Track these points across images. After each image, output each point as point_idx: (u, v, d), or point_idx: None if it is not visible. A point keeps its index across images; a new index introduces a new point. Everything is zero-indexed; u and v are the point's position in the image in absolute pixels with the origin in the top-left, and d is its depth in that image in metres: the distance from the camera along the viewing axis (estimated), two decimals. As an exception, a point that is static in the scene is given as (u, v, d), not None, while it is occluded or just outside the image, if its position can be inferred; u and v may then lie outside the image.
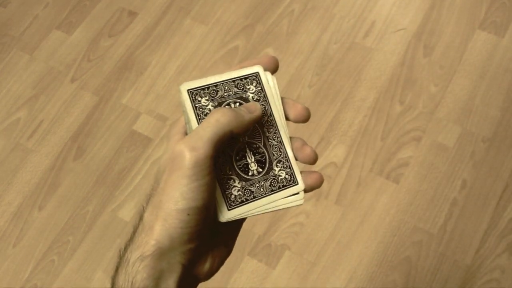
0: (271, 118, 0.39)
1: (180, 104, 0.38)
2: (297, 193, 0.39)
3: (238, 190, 0.38)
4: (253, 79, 0.40)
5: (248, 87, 0.39)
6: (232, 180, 0.38)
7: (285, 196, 0.39)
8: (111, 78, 1.35)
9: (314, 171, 0.40)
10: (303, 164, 0.40)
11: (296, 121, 0.40)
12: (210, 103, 0.38)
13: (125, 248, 0.35)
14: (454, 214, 1.10)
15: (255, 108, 0.37)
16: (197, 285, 0.38)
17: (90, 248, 1.16)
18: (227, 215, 0.37)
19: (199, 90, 0.38)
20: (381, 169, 1.16)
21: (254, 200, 0.38)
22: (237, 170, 0.38)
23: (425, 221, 1.10)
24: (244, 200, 0.38)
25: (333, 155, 1.18)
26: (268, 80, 0.40)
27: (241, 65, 0.40)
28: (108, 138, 1.27)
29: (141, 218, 0.36)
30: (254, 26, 1.37)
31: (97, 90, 1.34)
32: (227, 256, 0.39)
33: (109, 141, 1.27)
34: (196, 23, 1.40)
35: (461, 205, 1.11)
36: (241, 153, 0.38)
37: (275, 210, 0.39)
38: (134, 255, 0.34)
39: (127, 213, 1.18)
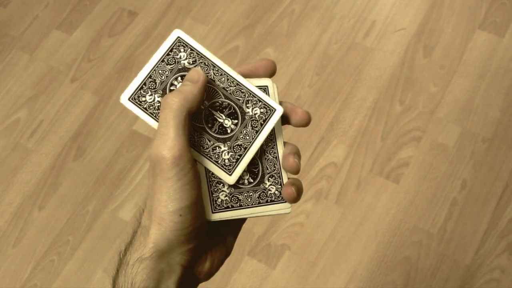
0: (216, 69, 0.38)
1: None
2: (285, 202, 0.39)
3: (228, 152, 0.37)
4: (179, 45, 0.38)
5: (178, 56, 0.38)
6: (217, 147, 0.37)
7: (274, 209, 0.38)
8: (111, 78, 1.35)
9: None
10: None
11: (297, 126, 0.39)
12: (155, 95, 0.36)
13: (125, 250, 0.35)
14: (454, 214, 1.10)
15: (198, 75, 0.36)
16: (197, 285, 0.38)
17: (90, 248, 1.15)
18: (211, 217, 0.37)
19: (138, 91, 0.36)
20: (381, 169, 1.16)
21: (241, 208, 0.38)
22: (216, 135, 0.37)
23: (425, 221, 1.10)
24: (238, 157, 0.37)
25: (333, 155, 1.18)
26: (205, 52, 0.38)
27: (239, 69, 0.39)
28: (108, 138, 1.27)
29: (139, 221, 0.36)
30: (254, 26, 1.37)
31: (97, 90, 1.34)
32: (226, 256, 0.39)
33: (109, 141, 1.27)
34: (196, 23, 1.40)
35: (461, 205, 1.11)
36: (209, 118, 0.37)
37: (261, 216, 0.39)
38: (133, 257, 0.34)
39: (127, 213, 1.18)
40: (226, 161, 0.37)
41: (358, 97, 1.24)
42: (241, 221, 0.41)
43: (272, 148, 0.38)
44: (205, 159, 0.36)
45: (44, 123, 1.31)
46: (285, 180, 0.39)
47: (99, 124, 1.29)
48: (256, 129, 0.38)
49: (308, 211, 1.13)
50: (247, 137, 0.37)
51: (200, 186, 0.35)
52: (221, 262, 0.38)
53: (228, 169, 0.37)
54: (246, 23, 1.38)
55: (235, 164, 0.37)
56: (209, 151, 0.37)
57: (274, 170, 0.38)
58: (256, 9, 1.39)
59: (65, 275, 1.13)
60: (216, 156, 0.37)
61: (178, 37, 0.38)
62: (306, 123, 0.39)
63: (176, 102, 0.34)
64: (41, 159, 1.27)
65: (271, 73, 0.40)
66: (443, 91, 1.23)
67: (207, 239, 0.37)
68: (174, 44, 0.38)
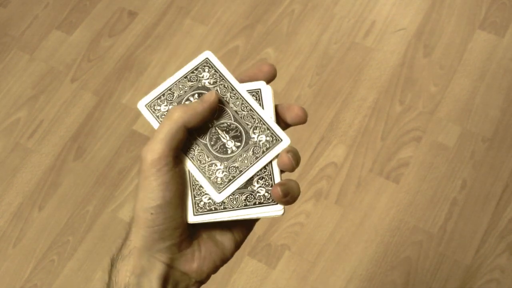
0: (234, 92, 0.39)
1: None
2: (277, 203, 0.38)
3: (223, 172, 0.38)
4: (205, 66, 0.39)
5: (201, 75, 0.39)
6: (213, 165, 0.38)
7: (262, 211, 0.38)
8: (111, 78, 1.35)
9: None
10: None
11: (294, 123, 0.39)
12: (170, 107, 0.38)
13: (116, 254, 0.37)
14: (454, 214, 1.10)
15: (209, 96, 0.37)
16: (192, 283, 0.38)
17: (90, 248, 1.16)
18: (192, 219, 0.37)
19: (156, 100, 0.39)
20: (381, 169, 1.16)
21: (225, 211, 0.37)
22: (215, 153, 0.38)
23: (425, 221, 1.10)
24: (231, 178, 0.38)
25: (333, 155, 1.18)
26: (218, 66, 0.39)
27: (239, 77, 0.39)
28: (108, 138, 1.27)
29: (129, 223, 0.38)
30: (254, 26, 1.37)
31: (97, 90, 1.34)
32: (223, 260, 0.39)
33: (109, 141, 1.27)
34: (196, 23, 1.40)
35: (461, 205, 1.11)
36: (214, 137, 0.38)
37: (249, 219, 0.38)
38: (117, 257, 0.36)
39: (127, 213, 1.18)
40: (219, 179, 0.38)
41: (358, 97, 1.24)
42: (243, 227, 0.40)
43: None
44: (199, 173, 0.38)
45: (44, 123, 1.31)
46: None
47: (99, 124, 1.29)
48: (257, 155, 0.38)
49: (308, 211, 1.13)
50: (246, 161, 0.38)
51: (177, 189, 0.36)
52: (214, 265, 0.38)
53: (219, 188, 0.37)
54: (246, 23, 1.38)
55: (226, 184, 0.38)
56: (205, 166, 0.38)
57: (265, 172, 0.38)
58: (256, 9, 1.39)
59: (65, 275, 1.13)
60: (210, 173, 0.38)
61: (207, 58, 0.40)
62: (303, 120, 0.39)
63: (176, 113, 0.36)
64: (41, 159, 1.27)
65: (271, 78, 0.40)
66: (443, 91, 1.23)
67: (190, 239, 0.38)
68: (201, 63, 0.39)
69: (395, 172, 1.15)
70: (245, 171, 0.38)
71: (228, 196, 0.38)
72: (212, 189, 0.37)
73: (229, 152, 0.38)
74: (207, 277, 0.39)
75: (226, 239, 0.39)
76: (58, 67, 1.39)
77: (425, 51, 1.28)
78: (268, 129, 0.38)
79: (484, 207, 1.10)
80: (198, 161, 0.38)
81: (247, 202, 0.37)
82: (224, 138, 0.38)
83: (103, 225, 1.17)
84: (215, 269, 0.39)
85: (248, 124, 0.38)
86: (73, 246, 1.16)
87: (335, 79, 1.27)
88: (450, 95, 1.22)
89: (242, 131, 0.38)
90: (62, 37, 1.43)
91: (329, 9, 1.37)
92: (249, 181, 0.38)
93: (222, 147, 0.38)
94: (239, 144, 0.38)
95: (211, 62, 0.39)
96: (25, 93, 1.36)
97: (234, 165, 0.38)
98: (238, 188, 0.38)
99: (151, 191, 0.35)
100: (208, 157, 0.38)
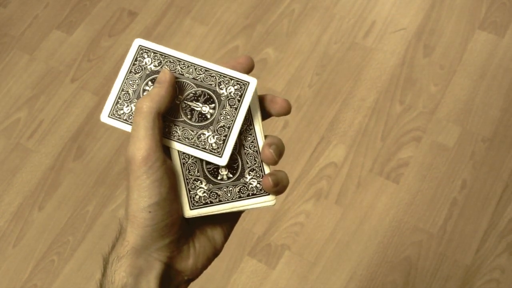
0: (182, 62, 0.39)
1: None
2: (268, 194, 0.39)
3: (213, 136, 0.38)
4: (142, 53, 0.39)
5: (143, 63, 0.39)
6: (201, 135, 0.38)
7: (256, 202, 0.38)
8: (111, 78, 1.35)
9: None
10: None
11: (279, 115, 0.39)
12: (131, 105, 0.38)
13: (108, 253, 0.37)
14: (454, 214, 1.10)
15: (164, 76, 0.37)
16: (184, 281, 0.38)
17: (90, 248, 1.16)
18: (190, 213, 0.38)
19: (115, 106, 0.38)
20: (381, 169, 1.16)
21: (220, 203, 0.38)
22: (197, 124, 0.38)
23: (425, 221, 1.10)
24: (224, 138, 0.38)
25: (333, 155, 1.18)
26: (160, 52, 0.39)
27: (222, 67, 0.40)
28: (108, 138, 1.28)
29: (121, 224, 0.37)
30: (254, 26, 1.37)
31: (97, 90, 1.34)
32: (215, 254, 0.40)
33: (109, 141, 1.27)
34: (196, 23, 1.40)
35: (461, 205, 1.11)
36: (187, 110, 0.38)
37: (243, 210, 0.39)
38: (112, 257, 0.36)
39: (127, 213, 1.18)
40: (213, 145, 0.38)
41: (358, 97, 1.24)
42: (230, 219, 0.41)
43: (252, 142, 0.39)
44: (193, 149, 0.38)
45: (44, 123, 1.31)
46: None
47: (99, 124, 1.29)
48: (234, 106, 0.38)
49: (308, 211, 1.13)
50: (228, 117, 0.38)
51: (170, 184, 0.36)
52: (207, 260, 0.39)
53: (218, 152, 0.38)
54: (246, 23, 1.38)
55: (222, 145, 0.38)
56: (195, 140, 0.38)
57: (255, 164, 0.39)
58: (256, 9, 1.39)
59: (65, 275, 1.13)
60: (203, 143, 0.38)
61: (140, 45, 0.39)
62: (287, 111, 0.39)
63: (145, 105, 0.36)
64: (41, 159, 1.27)
65: (249, 70, 0.40)
66: (443, 91, 1.23)
67: (186, 235, 0.38)
68: (137, 53, 0.39)
69: (395, 172, 1.15)
70: (233, 125, 0.38)
71: (222, 189, 0.38)
72: (212, 157, 0.38)
73: (208, 116, 0.38)
74: (200, 273, 0.39)
75: (216, 233, 0.40)
76: (58, 67, 1.39)
77: (425, 51, 1.28)
78: (231, 79, 0.39)
79: (484, 207, 1.10)
80: (186, 139, 0.38)
81: (241, 194, 0.38)
82: (197, 106, 0.38)
83: (103, 225, 1.17)
84: (208, 265, 0.39)
85: (211, 84, 0.39)
86: (73, 246, 1.16)
87: (335, 79, 1.27)
88: (450, 95, 1.22)
89: (210, 92, 0.39)
90: (62, 37, 1.43)
91: (329, 9, 1.37)
92: (241, 173, 0.38)
93: (200, 115, 0.38)
94: (213, 105, 0.38)
95: (145, 47, 0.39)
96: (25, 93, 1.36)
97: (219, 125, 0.38)
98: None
99: (145, 189, 0.34)
100: (193, 131, 0.38)
